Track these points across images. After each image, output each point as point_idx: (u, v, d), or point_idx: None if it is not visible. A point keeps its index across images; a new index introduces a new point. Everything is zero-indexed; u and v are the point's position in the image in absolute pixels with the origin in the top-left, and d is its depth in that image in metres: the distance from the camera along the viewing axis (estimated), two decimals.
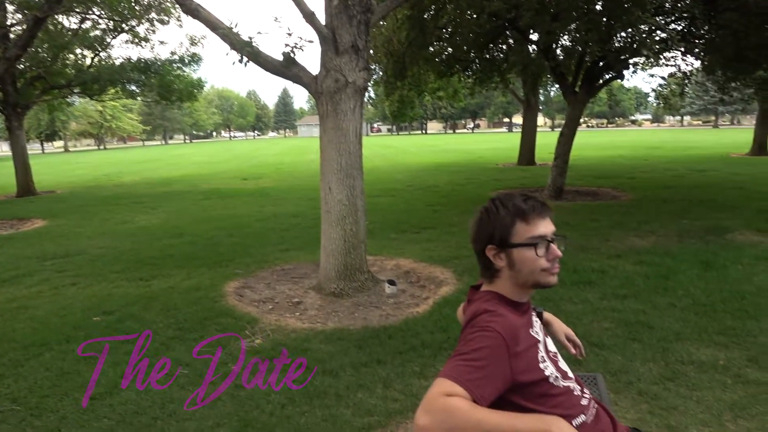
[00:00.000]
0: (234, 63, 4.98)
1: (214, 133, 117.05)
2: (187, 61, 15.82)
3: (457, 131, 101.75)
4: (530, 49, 11.27)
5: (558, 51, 10.71)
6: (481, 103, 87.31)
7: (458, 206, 10.19)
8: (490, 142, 41.51)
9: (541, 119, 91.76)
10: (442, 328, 4.10)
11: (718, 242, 6.56)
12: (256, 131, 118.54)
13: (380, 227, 8.17)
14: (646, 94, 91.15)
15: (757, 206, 9.09)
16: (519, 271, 1.43)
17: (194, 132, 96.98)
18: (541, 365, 1.38)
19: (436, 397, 1.18)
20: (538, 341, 1.42)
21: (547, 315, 1.85)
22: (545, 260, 1.43)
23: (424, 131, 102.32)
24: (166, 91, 15.78)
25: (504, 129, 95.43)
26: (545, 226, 1.43)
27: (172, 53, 15.79)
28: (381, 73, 12.73)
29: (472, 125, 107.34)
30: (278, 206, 10.87)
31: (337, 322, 4.42)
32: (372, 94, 19.71)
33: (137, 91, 16.50)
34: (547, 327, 1.83)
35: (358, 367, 3.50)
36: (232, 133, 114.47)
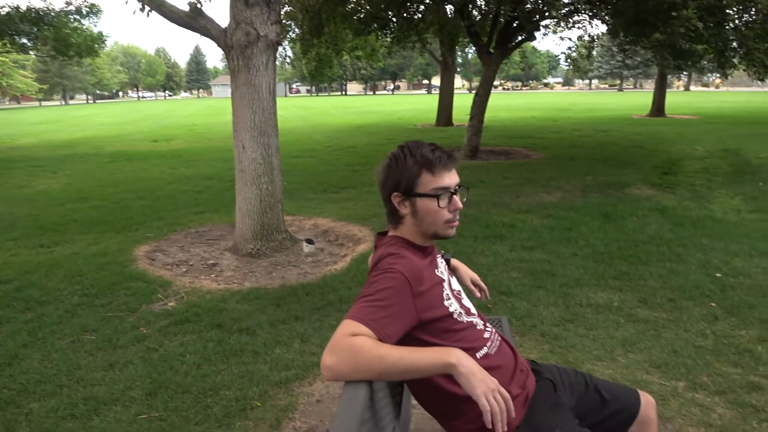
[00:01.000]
0: (135, 12, 4.67)
1: (121, 93, 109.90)
2: (84, 12, 14.61)
3: (377, 93, 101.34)
4: (447, 9, 11.33)
5: (473, 11, 10.83)
6: (400, 64, 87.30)
7: (377, 166, 10.22)
8: (409, 104, 41.74)
9: (459, 81, 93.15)
10: (359, 283, 4.17)
11: (617, 196, 7.04)
12: (167, 91, 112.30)
13: (298, 187, 8.09)
14: (558, 58, 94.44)
15: (652, 163, 9.80)
16: (422, 220, 1.47)
17: (98, 92, 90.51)
18: (446, 303, 1.44)
19: (341, 337, 1.21)
20: (443, 280, 1.48)
21: (454, 261, 1.93)
22: (447, 211, 1.46)
23: (344, 93, 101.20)
24: (63, 45, 14.55)
25: (423, 91, 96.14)
26: (450, 178, 1.46)
27: (68, 3, 14.50)
28: (297, 29, 12.36)
29: (392, 87, 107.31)
30: (191, 168, 10.47)
31: (254, 282, 4.38)
32: (289, 53, 19.17)
33: (29, 45, 15.11)
34: (454, 273, 1.91)
35: (275, 325, 3.51)
36: (140, 93, 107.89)
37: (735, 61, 7.63)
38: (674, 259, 4.61)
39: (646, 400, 1.66)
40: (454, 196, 1.47)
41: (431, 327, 1.39)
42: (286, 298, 3.93)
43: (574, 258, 4.67)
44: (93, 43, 15.33)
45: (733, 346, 3.13)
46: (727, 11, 6.97)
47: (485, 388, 1.20)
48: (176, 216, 6.49)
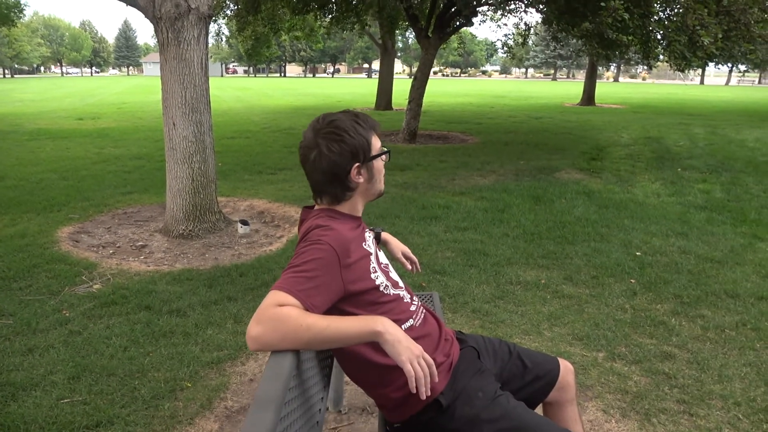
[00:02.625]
0: None
1: (42, 68, 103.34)
2: None
3: (316, 75, 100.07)
4: None
5: None
6: (340, 47, 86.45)
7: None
8: (349, 87, 41.47)
9: (399, 66, 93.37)
10: None
11: (547, 180, 7.29)
12: (93, 68, 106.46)
13: (234, 168, 7.91)
14: (495, 46, 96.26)
15: (581, 149, 10.21)
16: (374, 182, 1.53)
17: (16, 66, 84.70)
18: (372, 275, 1.45)
19: (267, 307, 1.20)
20: (370, 253, 1.49)
21: (385, 235, 1.94)
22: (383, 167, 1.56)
23: (282, 74, 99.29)
24: None
25: (364, 75, 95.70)
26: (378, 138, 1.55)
27: None
28: (233, 5, 11.98)
29: (332, 70, 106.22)
30: (120, 148, 10.01)
31: (186, 263, 4.26)
32: (225, 30, 18.58)
33: None
34: (385, 246, 1.92)
35: (207, 306, 3.44)
36: (64, 69, 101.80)
37: (658, 51, 8.02)
38: (598, 239, 4.84)
39: (565, 367, 1.74)
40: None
41: (357, 299, 1.40)
42: (219, 279, 3.85)
43: (505, 238, 4.82)
44: (9, 12, 14.30)
45: (650, 319, 3.33)
46: (654, 4, 7.31)
47: (410, 354, 1.22)
48: (103, 197, 6.20)
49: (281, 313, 1.19)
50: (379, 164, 1.53)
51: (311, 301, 1.25)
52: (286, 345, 1.18)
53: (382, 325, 1.24)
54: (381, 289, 1.46)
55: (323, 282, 1.30)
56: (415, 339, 1.40)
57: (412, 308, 1.53)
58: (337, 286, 1.34)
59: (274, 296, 1.23)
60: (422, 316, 1.55)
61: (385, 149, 1.54)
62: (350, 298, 1.39)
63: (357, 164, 1.46)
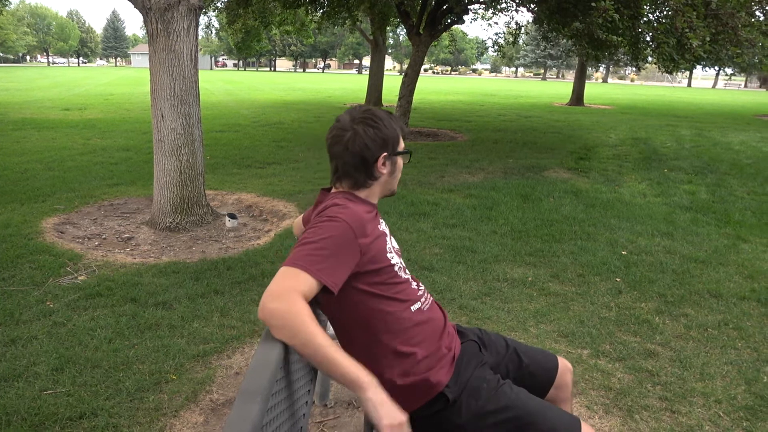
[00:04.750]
0: None
1: (28, 57, 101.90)
2: None
3: (307, 70, 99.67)
4: None
5: None
6: (331, 42, 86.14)
7: (305, 142, 10.12)
8: (339, 82, 41.36)
9: (390, 63, 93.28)
10: (282, 257, 4.13)
11: (535, 178, 7.33)
12: (80, 58, 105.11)
13: (222, 162, 7.86)
14: (486, 45, 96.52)
15: (569, 148, 10.27)
16: (394, 177, 1.59)
17: (1, 54, 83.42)
18: (388, 255, 1.46)
19: (289, 290, 1.19)
20: (386, 234, 1.50)
21: None
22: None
23: (273, 69, 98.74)
24: None
25: (354, 71, 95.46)
26: None
27: None
28: None
29: (322, 65, 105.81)
30: (107, 139, 9.90)
31: (173, 256, 4.23)
32: (215, 23, 18.45)
33: None
34: None
35: (194, 299, 3.42)
36: (51, 59, 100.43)
37: (647, 53, 8.08)
38: (585, 237, 4.88)
39: (564, 365, 1.73)
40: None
41: (371, 278, 1.40)
42: (206, 273, 3.83)
43: (493, 235, 4.84)
44: None
45: (634, 317, 3.36)
46: (643, 5, 7.36)
47: (392, 421, 1.16)
48: (89, 188, 6.14)
49: (298, 307, 1.17)
50: (401, 162, 1.59)
51: (330, 280, 1.25)
52: (285, 336, 1.17)
53: (371, 381, 1.20)
54: (396, 269, 1.46)
55: (339, 260, 1.29)
56: (423, 322, 1.46)
57: (420, 293, 1.54)
58: (353, 261, 1.33)
59: (288, 274, 1.21)
60: (429, 303, 1.55)
61: (408, 150, 1.60)
62: (364, 276, 1.38)
63: (385, 153, 1.51)
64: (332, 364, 1.18)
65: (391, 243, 1.53)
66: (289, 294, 1.18)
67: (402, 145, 1.57)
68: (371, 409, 1.17)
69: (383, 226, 1.55)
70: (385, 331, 1.41)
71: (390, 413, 1.17)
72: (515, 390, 1.50)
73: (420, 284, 1.60)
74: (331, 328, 1.53)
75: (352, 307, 1.40)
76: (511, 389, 1.50)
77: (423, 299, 1.53)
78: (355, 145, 1.48)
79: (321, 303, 1.46)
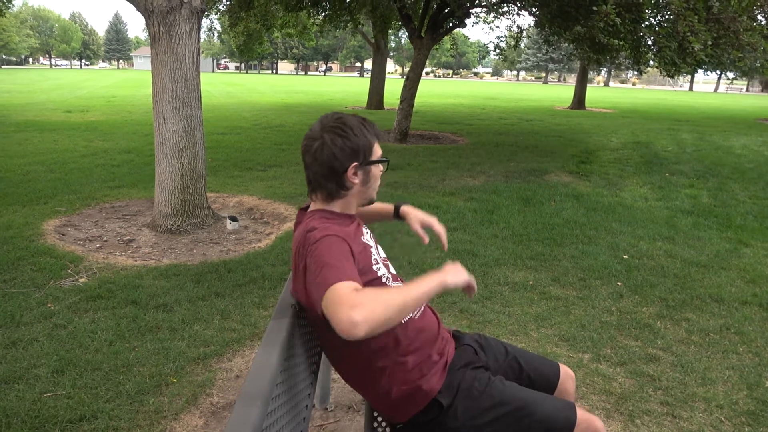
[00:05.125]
0: None
1: (31, 59, 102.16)
2: None
3: (308, 73, 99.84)
4: None
5: None
6: (333, 45, 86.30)
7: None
8: (341, 85, 41.41)
9: (392, 66, 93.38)
10: (283, 261, 4.13)
11: (537, 182, 7.33)
12: (83, 60, 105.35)
13: (223, 164, 7.87)
14: (488, 48, 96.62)
15: (570, 152, 10.27)
16: (370, 187, 1.54)
17: (4, 56, 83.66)
18: (374, 267, 1.47)
19: (347, 295, 1.14)
20: (370, 246, 1.50)
21: (404, 208, 1.86)
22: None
23: (274, 71, 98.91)
24: None
25: (356, 73, 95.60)
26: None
27: None
28: (226, 0, 11.92)
29: (324, 68, 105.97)
30: (108, 141, 9.92)
31: (174, 258, 4.23)
32: (217, 26, 18.48)
33: None
34: (405, 219, 1.84)
35: (194, 301, 3.42)
36: (53, 61, 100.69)
37: (648, 57, 8.09)
38: (586, 241, 4.87)
39: (565, 373, 1.72)
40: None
41: None
42: (207, 275, 3.83)
43: (494, 239, 4.84)
44: None
45: (635, 321, 3.36)
46: (645, 9, 7.36)
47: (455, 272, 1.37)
48: (90, 190, 6.14)
49: (372, 303, 1.14)
50: (376, 171, 1.54)
51: (357, 278, 1.25)
52: (388, 326, 1.16)
53: (438, 278, 1.31)
54: (383, 280, 1.47)
55: (350, 263, 1.29)
56: (415, 331, 1.45)
57: None
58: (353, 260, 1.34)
59: (341, 286, 1.18)
60: (421, 309, 1.55)
61: (385, 158, 1.56)
62: None
63: (355, 164, 1.47)
64: (417, 300, 1.23)
65: (378, 254, 1.53)
66: (350, 296, 1.15)
67: (377, 153, 1.53)
68: (443, 283, 1.32)
69: (367, 238, 1.54)
70: (377, 343, 1.42)
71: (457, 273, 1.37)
72: (507, 384, 1.51)
73: None
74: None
75: None
76: (503, 384, 1.50)
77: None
78: (323, 154, 1.46)
79: (309, 318, 1.46)
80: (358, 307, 1.11)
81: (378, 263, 1.49)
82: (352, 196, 1.52)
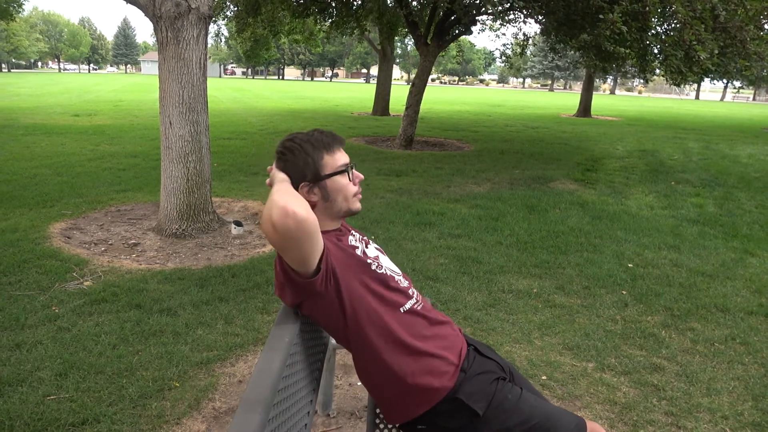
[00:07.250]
0: None
1: (40, 63, 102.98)
2: None
3: (315, 79, 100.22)
4: None
5: (412, 1, 10.89)
6: (339, 51, 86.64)
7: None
8: (347, 91, 41.53)
9: (398, 72, 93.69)
10: None
11: (542, 189, 7.32)
12: (91, 64, 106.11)
13: (229, 169, 7.90)
14: (494, 55, 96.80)
15: (576, 160, 10.25)
16: (334, 201, 1.49)
17: (14, 60, 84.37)
18: (358, 253, 1.50)
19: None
20: (356, 247, 1.50)
21: None
22: (353, 185, 1.51)
23: (281, 77, 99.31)
24: None
25: (362, 80, 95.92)
26: (343, 155, 1.52)
27: None
28: (233, 6, 11.99)
29: (330, 74, 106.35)
30: (115, 145, 9.98)
31: (178, 262, 4.24)
32: (225, 31, 18.59)
33: None
34: None
35: (198, 306, 3.42)
36: (62, 65, 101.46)
37: (654, 65, 8.08)
38: (591, 249, 4.85)
39: (592, 429, 1.54)
40: (353, 170, 1.53)
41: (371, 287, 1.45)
42: (211, 280, 3.84)
43: (498, 246, 4.83)
44: (8, 6, 14.26)
45: (640, 330, 3.34)
46: (651, 18, 7.37)
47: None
48: (96, 194, 6.18)
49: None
50: (338, 183, 1.48)
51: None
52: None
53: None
54: (373, 267, 1.49)
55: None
56: (426, 327, 1.51)
57: (410, 292, 1.55)
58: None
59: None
60: (422, 303, 1.55)
61: (342, 168, 1.49)
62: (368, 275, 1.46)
63: (304, 183, 1.46)
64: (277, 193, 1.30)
65: (367, 252, 1.53)
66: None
67: (332, 164, 1.47)
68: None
69: (355, 240, 1.54)
70: (388, 336, 1.44)
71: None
72: (531, 397, 1.52)
73: (412, 286, 1.60)
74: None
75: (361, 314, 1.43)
76: (529, 397, 1.52)
77: (414, 297, 1.54)
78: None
79: (320, 320, 1.46)
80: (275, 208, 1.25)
81: (369, 259, 1.50)
82: (320, 213, 1.49)
